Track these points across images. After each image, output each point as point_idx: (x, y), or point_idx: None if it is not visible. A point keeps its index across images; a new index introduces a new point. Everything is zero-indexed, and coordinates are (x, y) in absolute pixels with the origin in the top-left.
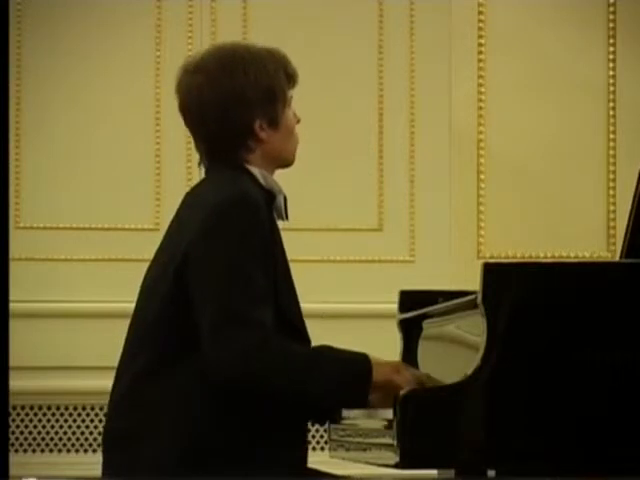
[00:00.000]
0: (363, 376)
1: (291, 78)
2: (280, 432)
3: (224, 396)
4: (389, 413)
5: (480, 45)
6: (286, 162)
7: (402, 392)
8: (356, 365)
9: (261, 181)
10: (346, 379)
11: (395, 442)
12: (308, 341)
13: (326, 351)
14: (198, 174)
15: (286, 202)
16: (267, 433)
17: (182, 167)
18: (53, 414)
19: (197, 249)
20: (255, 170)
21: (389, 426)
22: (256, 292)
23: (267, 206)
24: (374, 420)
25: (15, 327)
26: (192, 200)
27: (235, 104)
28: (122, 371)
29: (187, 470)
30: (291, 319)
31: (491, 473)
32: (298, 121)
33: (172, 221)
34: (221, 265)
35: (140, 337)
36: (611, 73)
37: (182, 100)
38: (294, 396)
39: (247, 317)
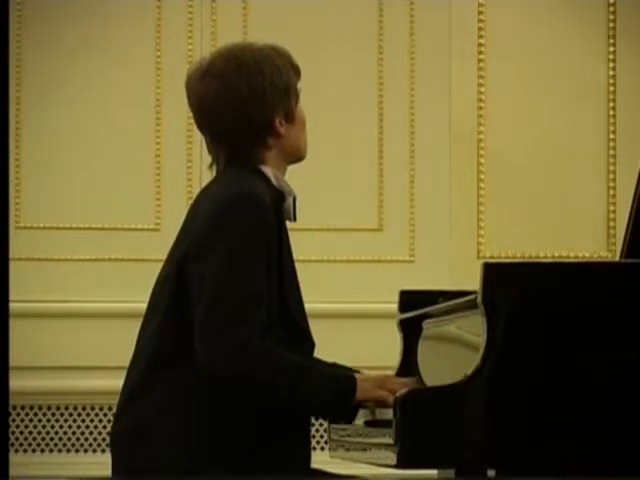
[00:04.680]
0: (346, 394)
1: (297, 71)
2: (283, 431)
3: (224, 394)
4: (389, 413)
5: (480, 45)
6: (299, 155)
7: (401, 392)
8: (340, 383)
9: (273, 182)
10: (327, 396)
11: (395, 442)
12: (312, 343)
13: (315, 364)
14: (198, 174)
15: (295, 203)
16: (270, 432)
17: (182, 167)
18: (53, 414)
19: (200, 243)
20: (268, 170)
21: (389, 426)
22: (253, 289)
23: (276, 206)
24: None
25: (15, 327)
26: (200, 198)
27: (257, 105)
28: (131, 369)
29: (189, 469)
30: (296, 320)
31: (491, 473)
32: None
33: (183, 221)
34: (221, 260)
35: (148, 335)
36: (611, 73)
37: (198, 105)
38: (274, 398)
39: (238, 314)
